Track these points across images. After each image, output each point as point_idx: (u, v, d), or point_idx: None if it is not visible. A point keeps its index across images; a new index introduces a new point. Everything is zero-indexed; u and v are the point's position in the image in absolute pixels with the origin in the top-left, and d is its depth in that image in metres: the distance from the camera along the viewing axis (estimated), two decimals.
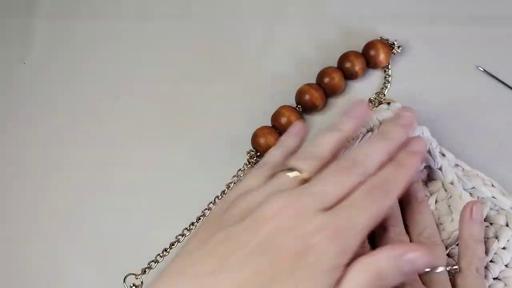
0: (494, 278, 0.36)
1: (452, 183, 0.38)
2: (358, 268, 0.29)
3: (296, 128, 0.37)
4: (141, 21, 0.49)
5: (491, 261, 0.36)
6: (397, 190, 0.31)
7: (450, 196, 0.38)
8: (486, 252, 0.36)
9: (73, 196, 0.42)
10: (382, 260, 0.29)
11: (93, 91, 0.47)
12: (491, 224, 0.38)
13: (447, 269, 0.33)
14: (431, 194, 0.38)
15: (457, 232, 0.36)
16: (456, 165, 0.39)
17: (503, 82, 0.44)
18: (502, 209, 0.38)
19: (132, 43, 0.48)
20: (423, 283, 0.33)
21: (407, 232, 0.35)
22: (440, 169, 0.39)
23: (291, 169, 0.32)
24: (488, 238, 0.37)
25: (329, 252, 0.28)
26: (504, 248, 0.36)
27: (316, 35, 0.46)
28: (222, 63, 0.46)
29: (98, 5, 0.50)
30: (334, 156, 0.33)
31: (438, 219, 0.38)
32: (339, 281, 0.29)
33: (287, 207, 0.30)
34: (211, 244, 0.30)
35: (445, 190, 0.38)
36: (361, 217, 0.30)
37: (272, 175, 0.33)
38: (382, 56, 0.42)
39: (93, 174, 0.43)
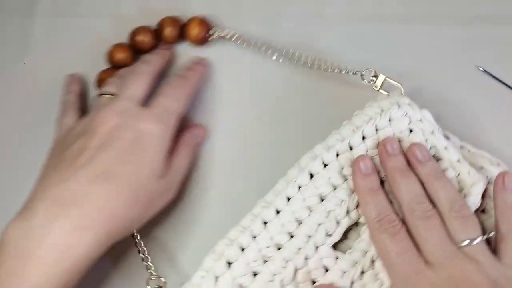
0: None
1: (459, 161, 0.38)
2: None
3: (70, 79, 0.46)
4: (141, 20, 0.48)
5: None
6: (192, 75, 0.43)
7: (459, 174, 0.38)
8: None
9: None
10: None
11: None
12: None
13: (484, 238, 0.35)
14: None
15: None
16: (462, 146, 0.39)
17: (503, 82, 0.44)
18: None
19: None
20: (465, 256, 0.35)
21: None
22: (446, 149, 0.39)
23: (104, 94, 0.41)
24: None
25: (156, 133, 0.38)
26: None
27: None
28: None
29: (98, 5, 0.50)
30: None
31: None
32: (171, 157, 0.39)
33: (112, 111, 0.38)
34: (61, 162, 0.37)
35: (453, 169, 0.38)
36: (173, 103, 0.40)
37: (78, 111, 0.43)
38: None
39: None
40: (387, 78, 0.43)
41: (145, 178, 0.37)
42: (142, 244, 0.41)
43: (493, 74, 0.44)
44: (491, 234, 0.36)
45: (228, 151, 0.45)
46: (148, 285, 0.40)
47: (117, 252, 0.41)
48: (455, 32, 0.46)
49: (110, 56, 0.46)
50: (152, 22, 0.47)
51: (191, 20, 0.47)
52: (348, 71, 0.44)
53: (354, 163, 0.38)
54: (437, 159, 0.40)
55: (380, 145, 0.39)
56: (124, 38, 0.47)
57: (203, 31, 0.47)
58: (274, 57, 0.46)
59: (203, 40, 0.47)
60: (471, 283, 0.34)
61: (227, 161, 0.45)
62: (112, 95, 0.41)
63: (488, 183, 0.40)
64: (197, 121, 0.46)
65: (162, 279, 0.40)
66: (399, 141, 0.40)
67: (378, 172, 0.39)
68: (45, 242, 0.33)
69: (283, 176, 0.39)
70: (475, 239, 0.35)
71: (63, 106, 0.44)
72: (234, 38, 0.47)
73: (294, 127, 0.45)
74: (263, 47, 0.46)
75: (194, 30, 0.46)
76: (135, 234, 0.41)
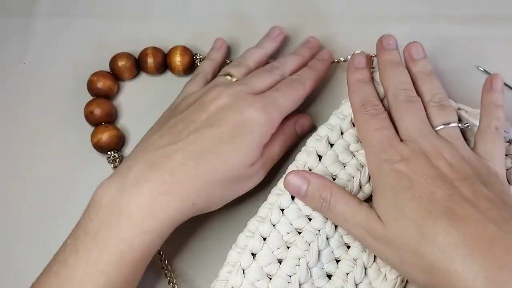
0: None
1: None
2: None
3: (217, 43, 0.47)
4: (140, 20, 0.49)
5: None
6: (310, 83, 0.42)
7: None
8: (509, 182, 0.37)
9: None
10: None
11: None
12: (506, 155, 0.39)
13: (460, 125, 0.38)
14: None
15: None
16: (459, 108, 0.40)
17: (503, 82, 0.44)
18: None
19: (132, 41, 0.48)
20: (439, 136, 0.36)
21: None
22: None
23: (225, 75, 0.42)
24: (507, 169, 0.38)
25: (259, 121, 0.38)
26: None
27: None
28: None
29: (98, 5, 0.50)
30: (258, 67, 0.44)
31: None
32: (266, 145, 0.39)
33: (225, 92, 0.39)
34: (165, 128, 0.38)
35: None
36: (282, 98, 0.40)
37: (207, 82, 0.43)
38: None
39: None
40: (374, 56, 0.44)
41: (238, 163, 0.37)
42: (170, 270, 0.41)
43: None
44: (467, 125, 0.38)
45: None
46: None
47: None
48: (455, 32, 0.46)
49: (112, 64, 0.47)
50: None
51: (173, 49, 0.47)
52: (341, 60, 0.45)
53: (350, 60, 0.41)
54: None
55: (378, 41, 0.41)
56: (124, 39, 0.48)
57: (186, 59, 0.46)
58: None
59: (186, 69, 0.47)
60: (441, 158, 0.35)
61: None
62: (231, 76, 0.42)
63: None
64: None
65: None
66: None
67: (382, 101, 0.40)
68: (136, 200, 0.35)
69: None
70: (450, 123, 0.37)
71: (196, 72, 0.45)
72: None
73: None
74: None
75: (177, 59, 0.46)
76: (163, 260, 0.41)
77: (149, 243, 0.35)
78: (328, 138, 0.40)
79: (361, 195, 0.39)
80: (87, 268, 0.33)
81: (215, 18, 0.50)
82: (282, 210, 0.38)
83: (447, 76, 0.45)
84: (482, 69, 0.45)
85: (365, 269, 0.37)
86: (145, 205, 0.35)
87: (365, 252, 0.37)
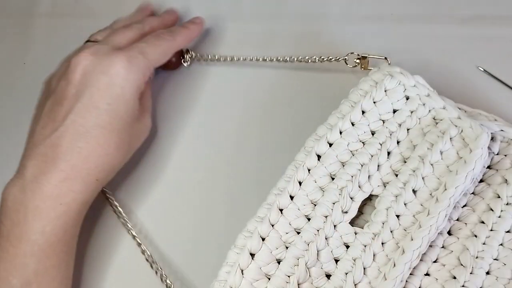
0: None
1: (459, 118, 0.39)
2: None
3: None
4: (242, 60, 0.48)
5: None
6: (180, 38, 0.43)
7: (462, 130, 0.38)
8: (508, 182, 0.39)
9: None
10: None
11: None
12: (505, 155, 0.39)
13: None
14: (443, 133, 0.39)
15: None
16: (459, 108, 0.40)
17: (503, 82, 0.44)
18: (511, 139, 0.39)
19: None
20: None
21: None
22: (445, 108, 0.39)
23: (88, 41, 0.43)
24: (506, 169, 0.39)
25: (127, 77, 0.39)
26: None
27: None
28: None
29: (98, 5, 0.50)
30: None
31: (457, 153, 0.38)
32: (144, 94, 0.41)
33: (85, 54, 0.39)
34: (44, 115, 0.39)
35: (455, 126, 0.38)
36: (149, 48, 0.40)
37: None
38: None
39: None
40: (370, 56, 0.44)
41: (122, 124, 0.39)
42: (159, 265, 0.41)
43: (493, 74, 0.45)
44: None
45: (227, 159, 0.45)
46: None
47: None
48: (455, 32, 0.46)
49: None
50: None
51: None
52: (331, 59, 0.45)
53: None
54: (437, 121, 0.40)
55: None
56: None
57: (176, 56, 0.47)
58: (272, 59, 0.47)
59: (175, 65, 0.47)
60: None
61: (229, 166, 0.45)
62: (93, 41, 0.42)
63: (492, 139, 0.40)
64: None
65: None
66: (395, 111, 0.40)
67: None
68: (38, 193, 0.37)
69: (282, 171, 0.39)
70: None
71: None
72: (209, 58, 0.47)
73: (287, 129, 0.46)
74: (239, 59, 0.47)
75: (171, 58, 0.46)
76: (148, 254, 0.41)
77: (61, 227, 0.37)
78: (327, 137, 0.39)
79: (360, 195, 0.39)
80: (6, 265, 0.36)
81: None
82: (281, 210, 0.38)
83: (447, 76, 0.45)
84: (482, 69, 0.45)
85: (364, 268, 0.37)
86: (48, 196, 0.37)
87: (365, 252, 0.37)
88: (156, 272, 0.41)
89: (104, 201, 0.44)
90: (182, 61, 0.47)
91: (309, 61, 0.46)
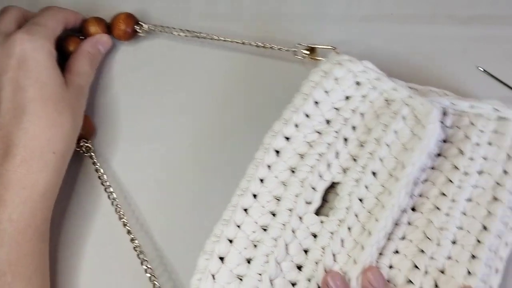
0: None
1: (410, 97, 0.40)
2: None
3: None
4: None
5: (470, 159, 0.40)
6: (72, 11, 0.46)
7: (413, 108, 0.40)
8: (463, 152, 0.40)
9: None
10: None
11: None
12: (458, 127, 0.40)
13: None
14: (395, 114, 0.40)
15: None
16: (409, 88, 0.41)
17: (503, 82, 0.45)
18: (463, 111, 0.40)
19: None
20: None
21: None
22: (395, 89, 0.40)
23: None
24: (460, 141, 0.41)
25: (34, 47, 0.40)
26: (477, 144, 0.40)
27: None
28: None
29: (97, 4, 0.50)
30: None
31: (411, 131, 0.40)
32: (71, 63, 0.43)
33: None
34: None
35: (407, 105, 0.39)
36: (43, 19, 0.42)
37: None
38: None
39: None
40: (319, 47, 0.44)
41: (52, 91, 0.40)
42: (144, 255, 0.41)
43: (493, 74, 0.45)
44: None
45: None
46: None
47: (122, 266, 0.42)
48: (455, 32, 0.46)
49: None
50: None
51: (117, 16, 0.48)
52: (280, 48, 0.46)
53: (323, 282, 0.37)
54: (389, 102, 0.41)
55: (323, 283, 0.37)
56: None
57: (129, 26, 0.47)
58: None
59: (129, 35, 0.48)
60: None
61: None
62: None
63: (444, 114, 0.41)
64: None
65: None
66: (347, 98, 0.41)
67: None
68: (1, 183, 0.37)
69: (239, 166, 0.40)
70: None
71: None
72: (163, 30, 0.48)
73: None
74: (193, 35, 0.47)
75: (120, 26, 0.47)
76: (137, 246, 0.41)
77: (29, 213, 0.37)
78: (283, 132, 0.40)
79: (321, 184, 0.39)
80: None
81: None
82: (246, 210, 0.38)
83: (447, 76, 0.45)
84: (482, 69, 0.45)
85: (334, 255, 0.38)
86: (9, 182, 0.37)
87: (332, 239, 0.38)
88: (138, 256, 0.41)
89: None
90: (138, 30, 0.48)
91: (260, 46, 0.46)
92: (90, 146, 0.44)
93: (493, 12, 0.47)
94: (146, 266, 0.40)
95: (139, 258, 0.41)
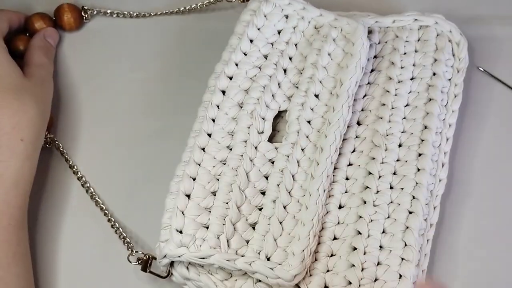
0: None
1: (336, 19, 0.42)
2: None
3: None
4: (141, 17, 0.49)
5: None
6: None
7: (341, 29, 0.42)
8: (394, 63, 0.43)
9: None
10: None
11: (93, 89, 0.47)
12: (385, 42, 0.43)
13: None
14: (326, 37, 0.43)
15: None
16: (368, 15, 0.45)
17: (503, 82, 0.45)
18: (387, 27, 0.43)
19: (131, 41, 0.49)
20: None
21: None
22: (321, 15, 0.43)
23: None
24: (389, 53, 0.44)
25: None
26: (405, 53, 0.43)
27: None
28: None
29: (97, 4, 0.50)
30: None
31: (343, 50, 0.42)
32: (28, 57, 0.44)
33: None
34: None
35: (334, 28, 0.43)
36: None
37: None
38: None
39: None
40: None
41: (9, 83, 0.40)
42: (118, 223, 0.42)
43: (493, 74, 0.46)
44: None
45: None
46: (129, 261, 0.41)
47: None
48: None
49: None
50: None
51: (59, 8, 0.48)
52: (211, 1, 0.48)
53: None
54: (318, 28, 0.44)
55: None
56: None
57: (76, 14, 0.48)
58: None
59: (77, 24, 0.49)
60: None
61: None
62: None
63: (370, 32, 0.44)
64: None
65: (140, 251, 0.41)
66: (279, 32, 0.44)
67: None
68: None
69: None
70: None
71: None
72: (108, 13, 0.49)
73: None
74: (136, 13, 0.49)
75: (66, 16, 0.48)
76: (109, 216, 0.42)
77: (2, 199, 0.38)
78: (225, 72, 0.42)
79: (270, 113, 0.41)
80: None
81: None
82: (203, 149, 0.40)
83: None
84: (482, 69, 0.46)
85: (293, 176, 0.40)
86: None
87: (289, 161, 0.40)
88: (117, 233, 0.42)
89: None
90: (84, 19, 0.49)
91: (194, 8, 0.49)
92: (52, 137, 0.44)
93: (493, 12, 0.47)
94: (123, 238, 0.42)
95: (113, 228, 0.42)
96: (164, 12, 0.49)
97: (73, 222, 0.43)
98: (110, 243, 0.42)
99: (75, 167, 0.44)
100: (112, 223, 0.42)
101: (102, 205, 0.43)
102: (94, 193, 0.43)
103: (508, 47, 0.46)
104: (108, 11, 0.49)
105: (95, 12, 0.49)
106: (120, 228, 0.42)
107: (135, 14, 0.49)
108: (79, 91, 0.47)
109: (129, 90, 0.47)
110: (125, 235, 0.41)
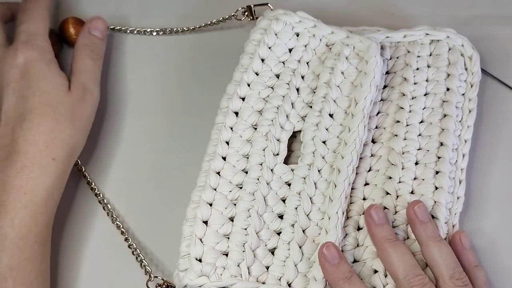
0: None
1: (348, 37, 0.42)
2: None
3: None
4: (140, 20, 0.49)
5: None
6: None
7: (354, 47, 0.42)
8: (407, 79, 0.42)
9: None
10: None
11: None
12: (397, 58, 0.42)
13: None
14: (338, 55, 0.42)
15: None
16: (378, 30, 0.44)
17: (503, 82, 0.45)
18: (398, 42, 0.43)
19: (131, 40, 0.48)
20: None
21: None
22: (333, 33, 0.43)
23: None
24: (402, 69, 0.43)
25: (34, 56, 0.41)
26: (417, 69, 0.43)
27: None
28: None
29: (97, 5, 0.49)
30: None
31: (356, 68, 0.42)
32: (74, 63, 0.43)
33: None
34: None
35: (346, 45, 0.42)
36: (32, 25, 0.42)
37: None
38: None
39: None
40: (253, 5, 0.46)
41: (51, 100, 0.40)
42: (138, 248, 0.42)
43: (493, 74, 0.46)
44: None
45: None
46: (148, 287, 0.40)
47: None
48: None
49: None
50: None
51: (64, 23, 0.47)
52: (223, 19, 0.47)
53: (367, 215, 0.38)
54: (330, 46, 0.43)
55: (366, 216, 0.38)
56: None
57: (77, 29, 0.47)
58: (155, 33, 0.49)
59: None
60: None
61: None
62: None
63: (382, 48, 0.44)
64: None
65: (160, 277, 0.40)
66: (291, 50, 0.43)
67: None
68: (1, 189, 0.38)
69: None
70: None
71: None
72: (115, 29, 0.48)
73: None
74: (143, 28, 0.48)
75: (71, 31, 0.46)
76: (129, 241, 0.42)
77: (31, 217, 0.38)
78: (237, 93, 0.41)
79: (284, 135, 0.41)
80: None
81: None
82: (218, 173, 0.39)
83: None
84: (482, 69, 0.45)
85: (310, 198, 0.39)
86: (11, 188, 0.38)
87: (305, 183, 0.39)
88: (137, 258, 0.41)
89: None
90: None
91: (207, 25, 0.48)
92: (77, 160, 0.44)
93: (493, 12, 0.47)
94: (141, 260, 0.41)
95: (133, 254, 0.41)
96: (168, 30, 0.48)
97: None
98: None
99: (97, 189, 0.43)
100: (133, 248, 0.41)
101: (122, 229, 0.42)
102: (114, 215, 0.42)
103: (508, 47, 0.46)
104: (112, 27, 0.48)
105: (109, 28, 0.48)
106: (139, 252, 0.41)
107: (142, 30, 0.48)
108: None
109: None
110: (143, 258, 0.41)
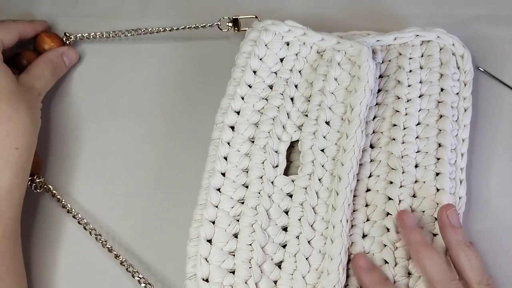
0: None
1: (339, 42, 0.42)
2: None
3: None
4: (141, 21, 0.48)
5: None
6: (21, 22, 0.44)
7: (345, 52, 0.42)
8: (400, 82, 0.42)
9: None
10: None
11: (93, 89, 0.46)
12: (389, 61, 0.43)
13: None
14: (330, 61, 0.42)
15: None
16: (368, 34, 0.44)
17: (503, 82, 0.45)
18: (389, 45, 0.43)
19: (132, 41, 0.48)
20: None
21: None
22: (323, 40, 0.42)
23: None
24: (395, 72, 0.43)
25: None
26: (410, 71, 0.43)
27: None
28: None
29: (97, 6, 0.48)
30: None
31: (349, 73, 0.42)
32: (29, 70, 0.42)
33: None
34: None
35: (337, 51, 0.42)
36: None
37: None
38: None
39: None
40: (241, 17, 0.45)
41: (5, 88, 0.39)
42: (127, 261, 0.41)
43: (493, 74, 0.45)
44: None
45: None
46: None
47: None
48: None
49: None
50: None
51: (39, 38, 0.46)
52: (205, 25, 0.46)
53: (399, 220, 0.38)
54: (321, 53, 0.43)
55: (398, 219, 0.38)
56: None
57: (57, 42, 0.46)
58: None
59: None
60: None
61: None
62: None
63: (373, 52, 0.43)
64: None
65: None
66: (282, 60, 0.42)
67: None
68: None
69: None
70: None
71: None
72: (90, 36, 0.47)
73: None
74: (117, 35, 0.47)
75: (47, 46, 0.46)
76: (118, 255, 0.41)
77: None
78: (232, 107, 0.40)
79: (282, 146, 0.40)
80: None
81: None
82: (218, 189, 0.38)
83: None
84: (482, 69, 0.45)
85: (313, 208, 0.39)
86: None
87: (307, 193, 0.39)
88: (116, 256, 0.40)
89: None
90: (67, 43, 0.47)
91: (186, 28, 0.47)
92: (42, 180, 0.42)
93: (493, 12, 0.47)
94: (133, 272, 0.40)
95: (122, 264, 0.40)
96: (155, 30, 0.47)
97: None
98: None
99: (73, 210, 0.42)
100: (126, 263, 0.40)
101: (114, 252, 0.41)
102: (104, 242, 0.41)
103: (508, 47, 0.46)
104: (91, 35, 0.47)
105: (79, 37, 0.47)
106: (133, 268, 0.40)
107: (122, 34, 0.47)
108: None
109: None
110: (140, 276, 0.40)
